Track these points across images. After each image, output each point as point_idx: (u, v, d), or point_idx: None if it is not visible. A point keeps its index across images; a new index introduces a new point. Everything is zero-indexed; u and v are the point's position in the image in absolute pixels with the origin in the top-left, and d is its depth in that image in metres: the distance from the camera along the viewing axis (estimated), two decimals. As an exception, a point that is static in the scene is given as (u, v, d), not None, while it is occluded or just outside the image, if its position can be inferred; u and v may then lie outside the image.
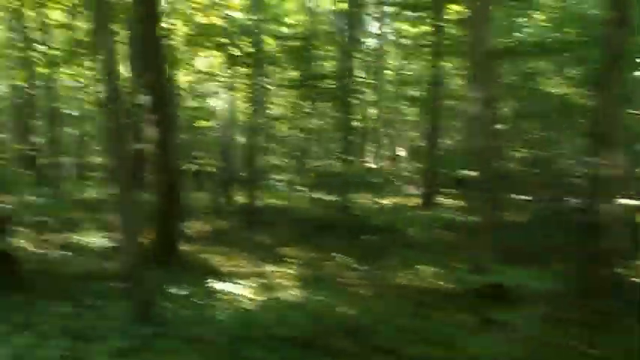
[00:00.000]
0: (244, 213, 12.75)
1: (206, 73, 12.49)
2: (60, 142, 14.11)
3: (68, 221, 10.97)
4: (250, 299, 7.21)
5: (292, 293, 7.52)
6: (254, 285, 7.77)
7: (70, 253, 9.36)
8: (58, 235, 10.21)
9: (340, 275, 8.53)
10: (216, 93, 13.28)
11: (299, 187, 13.15)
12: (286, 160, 14.99)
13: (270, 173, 14.12)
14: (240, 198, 13.98)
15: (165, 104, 8.86)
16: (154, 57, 8.55)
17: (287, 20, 12.17)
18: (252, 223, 12.14)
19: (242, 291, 7.53)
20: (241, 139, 13.99)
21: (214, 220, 12.57)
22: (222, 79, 12.58)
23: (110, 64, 5.41)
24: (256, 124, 12.68)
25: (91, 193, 13.09)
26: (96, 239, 10.41)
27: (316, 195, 11.98)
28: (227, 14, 11.01)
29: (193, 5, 10.34)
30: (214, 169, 14.60)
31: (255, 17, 11.21)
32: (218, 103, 13.76)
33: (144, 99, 8.47)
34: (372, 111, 13.39)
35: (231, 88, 12.69)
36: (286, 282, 8.05)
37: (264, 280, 8.04)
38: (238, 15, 11.29)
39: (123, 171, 5.87)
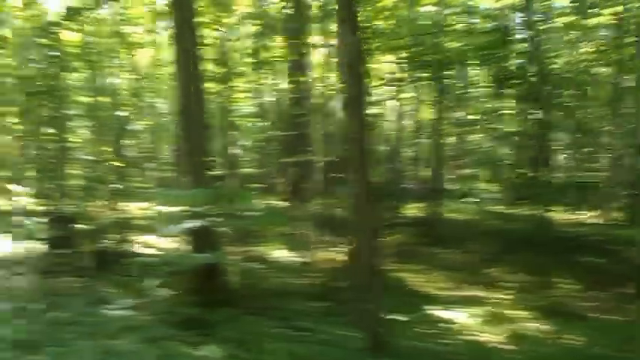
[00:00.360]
0: (422, 226, 11.75)
1: (382, 78, 11.81)
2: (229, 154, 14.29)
3: (249, 234, 10.86)
4: (483, 332, 6.19)
5: (530, 325, 6.35)
6: (479, 314, 6.73)
7: (263, 266, 9.11)
8: (242, 247, 10.08)
9: (573, 305, 7.16)
10: (390, 99, 12.57)
11: (487, 199, 11.84)
12: (472, 169, 13.77)
13: (452, 183, 12.98)
14: (412, 210, 13.01)
15: (363, 109, 8.23)
16: (355, 61, 7.95)
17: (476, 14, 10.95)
18: (433, 238, 11.11)
19: (467, 320, 6.55)
20: (414, 148, 13.10)
21: (387, 234, 11.72)
22: (400, 83, 11.82)
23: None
24: (438, 130, 11.68)
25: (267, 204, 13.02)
26: (282, 253, 10.13)
27: (508, 207, 10.63)
28: (417, 12, 10.20)
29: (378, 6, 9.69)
30: (381, 179, 13.82)
31: (441, 12, 10.29)
32: (390, 109, 13.08)
33: (339, 103, 7.90)
34: (573, 113, 11.70)
35: (409, 92, 11.89)
36: (513, 311, 6.89)
37: (488, 308, 6.95)
38: (427, 10, 10.42)
39: (363, 185, 5.23)
